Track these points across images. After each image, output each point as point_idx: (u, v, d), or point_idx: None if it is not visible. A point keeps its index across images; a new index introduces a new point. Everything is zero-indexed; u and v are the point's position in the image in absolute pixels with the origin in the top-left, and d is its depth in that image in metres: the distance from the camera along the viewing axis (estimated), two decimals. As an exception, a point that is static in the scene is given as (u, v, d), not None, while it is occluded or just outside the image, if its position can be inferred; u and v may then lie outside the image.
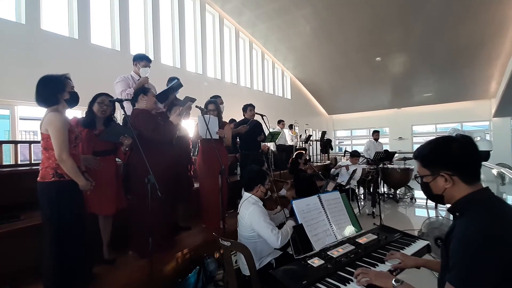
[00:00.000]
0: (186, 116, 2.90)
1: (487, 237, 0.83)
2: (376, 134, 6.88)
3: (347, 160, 6.27)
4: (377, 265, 1.41)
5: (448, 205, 1.02)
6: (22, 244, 2.03)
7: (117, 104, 2.20)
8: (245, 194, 2.07)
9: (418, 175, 1.07)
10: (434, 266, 1.28)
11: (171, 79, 3.27)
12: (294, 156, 4.71)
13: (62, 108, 1.81)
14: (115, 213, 2.26)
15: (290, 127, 7.66)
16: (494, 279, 0.80)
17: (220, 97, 3.77)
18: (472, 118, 11.03)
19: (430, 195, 1.05)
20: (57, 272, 1.70)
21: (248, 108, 4.04)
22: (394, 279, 1.09)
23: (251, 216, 1.89)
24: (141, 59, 2.99)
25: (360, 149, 7.06)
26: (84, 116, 2.26)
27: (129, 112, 2.65)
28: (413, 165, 6.47)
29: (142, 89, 2.50)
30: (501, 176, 4.97)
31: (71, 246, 1.74)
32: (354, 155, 5.79)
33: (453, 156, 0.96)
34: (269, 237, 1.81)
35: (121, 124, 2.51)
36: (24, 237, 2.03)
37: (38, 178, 1.74)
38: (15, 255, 2.01)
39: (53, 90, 1.74)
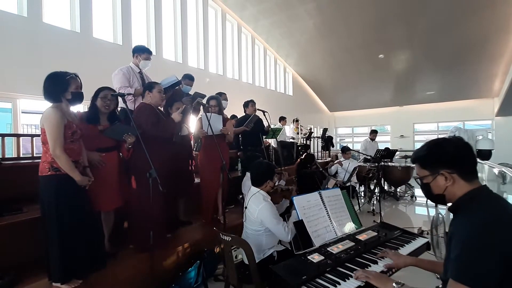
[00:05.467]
0: (195, 112, 2.91)
1: (488, 233, 0.84)
2: (373, 134, 6.94)
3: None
4: (370, 266, 1.39)
5: (449, 204, 1.03)
6: (24, 236, 2.05)
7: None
8: (253, 189, 2.06)
9: (418, 177, 1.10)
10: (425, 265, 1.29)
11: (185, 77, 3.30)
12: (303, 158, 4.59)
13: (65, 105, 1.81)
14: (117, 207, 2.27)
15: (293, 122, 7.61)
16: (495, 273, 0.81)
17: (224, 94, 3.76)
18: (474, 116, 10.98)
19: (431, 196, 1.08)
20: (60, 263, 1.72)
21: (249, 104, 4.01)
22: (394, 282, 1.09)
23: (262, 212, 1.90)
24: (142, 51, 2.90)
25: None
26: (87, 111, 2.25)
27: (131, 106, 2.65)
28: (414, 163, 6.45)
29: (148, 85, 2.48)
30: (502, 175, 4.96)
31: (73, 238, 1.76)
32: (345, 150, 5.88)
33: (449, 153, 1.00)
34: (280, 233, 1.85)
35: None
36: (27, 229, 2.05)
37: (39, 172, 1.77)
38: (17, 247, 2.03)
39: (56, 89, 1.76)
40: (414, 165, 1.12)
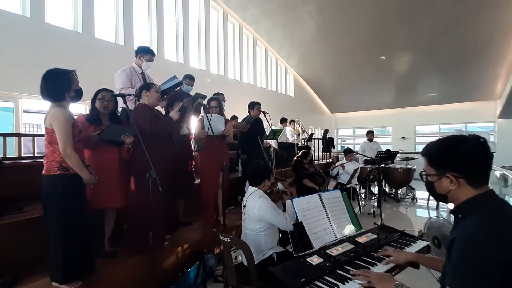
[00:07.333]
0: (196, 113, 2.91)
1: (489, 240, 0.81)
2: (370, 134, 6.92)
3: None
4: (370, 268, 1.38)
5: (451, 204, 1.01)
6: (25, 235, 2.05)
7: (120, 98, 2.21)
8: (251, 188, 2.08)
9: (423, 173, 1.04)
10: (425, 262, 1.28)
11: (186, 77, 3.33)
12: (299, 155, 4.61)
13: (66, 103, 1.82)
14: (119, 207, 2.27)
15: (291, 122, 7.54)
16: (496, 282, 0.78)
17: (222, 94, 3.76)
18: (476, 119, 10.94)
19: (433, 193, 1.03)
20: (63, 263, 1.72)
21: (255, 106, 3.92)
22: (394, 283, 1.08)
23: (261, 207, 1.92)
24: (146, 53, 2.91)
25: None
26: (88, 113, 2.27)
27: (132, 107, 2.66)
28: (415, 165, 6.44)
29: (145, 85, 2.49)
30: (504, 178, 4.95)
31: (76, 238, 1.76)
32: (347, 152, 5.85)
33: (462, 158, 0.92)
34: (282, 223, 1.85)
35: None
36: (27, 229, 2.06)
37: (43, 172, 1.76)
38: (18, 246, 2.04)
39: (60, 87, 1.75)
40: (423, 158, 1.04)
